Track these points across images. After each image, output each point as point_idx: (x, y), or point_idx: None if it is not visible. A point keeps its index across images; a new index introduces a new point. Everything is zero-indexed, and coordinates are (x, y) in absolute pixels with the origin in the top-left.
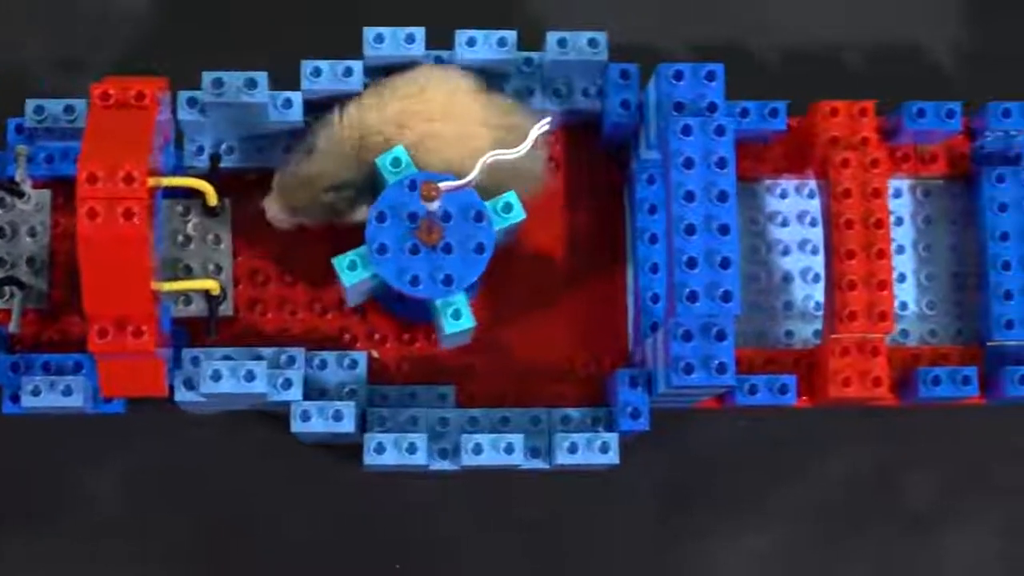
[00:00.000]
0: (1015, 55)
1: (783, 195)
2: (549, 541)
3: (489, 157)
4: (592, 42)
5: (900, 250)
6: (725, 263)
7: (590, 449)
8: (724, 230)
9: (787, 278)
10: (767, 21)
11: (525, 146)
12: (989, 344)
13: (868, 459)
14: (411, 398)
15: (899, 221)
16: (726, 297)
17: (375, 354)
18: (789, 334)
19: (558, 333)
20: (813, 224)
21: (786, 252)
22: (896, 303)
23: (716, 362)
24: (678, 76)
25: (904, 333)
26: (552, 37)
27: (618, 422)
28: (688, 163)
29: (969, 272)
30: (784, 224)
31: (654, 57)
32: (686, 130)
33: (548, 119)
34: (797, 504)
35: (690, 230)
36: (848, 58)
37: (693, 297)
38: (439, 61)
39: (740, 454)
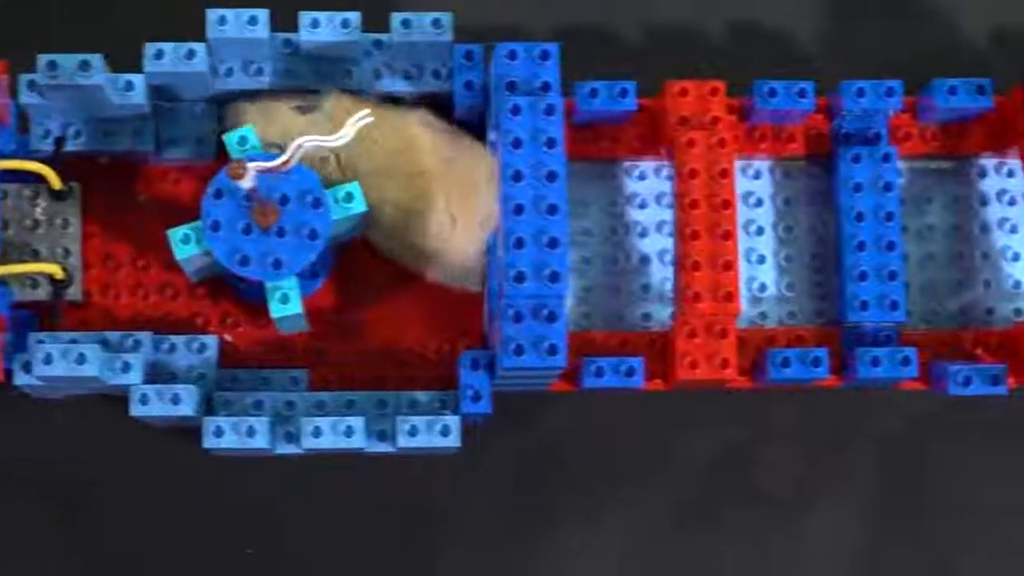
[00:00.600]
0: (871, 34)
1: (641, 176)
2: (404, 526)
3: (304, 142)
4: (436, 23)
5: (760, 231)
6: (553, 243)
7: (431, 432)
8: (553, 210)
9: (645, 260)
10: (634, 2)
11: (345, 134)
12: (845, 325)
13: (730, 442)
14: (264, 382)
15: (759, 202)
16: (554, 278)
17: (228, 338)
18: (647, 316)
19: (413, 317)
20: (672, 206)
21: (644, 234)
22: (756, 284)
23: (547, 344)
24: (512, 56)
25: (763, 315)
26: (396, 18)
27: (460, 405)
28: (517, 143)
29: (829, 253)
30: (642, 206)
31: (515, 38)
32: (515, 110)
33: (367, 111)
34: (658, 487)
35: (518, 210)
36: (710, 38)
37: (520, 278)
38: (288, 44)
39: (602, 436)
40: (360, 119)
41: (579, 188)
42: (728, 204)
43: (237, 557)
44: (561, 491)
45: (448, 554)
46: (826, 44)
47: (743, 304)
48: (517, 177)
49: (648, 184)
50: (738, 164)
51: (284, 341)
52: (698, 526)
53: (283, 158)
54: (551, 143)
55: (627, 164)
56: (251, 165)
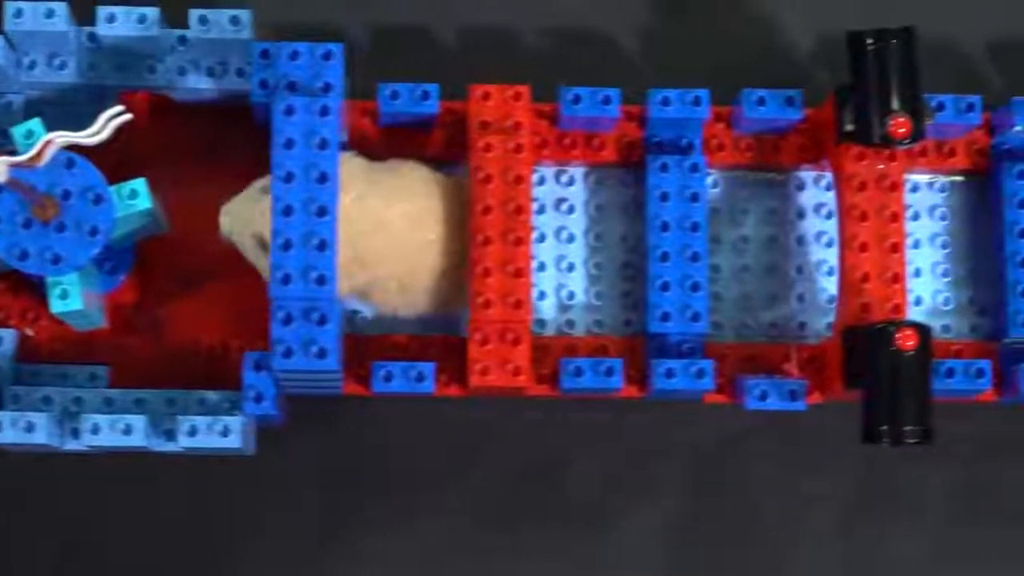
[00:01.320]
0: (697, 40)
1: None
2: (201, 532)
3: (55, 137)
4: (234, 20)
5: (571, 238)
6: (322, 246)
7: (211, 432)
8: (322, 212)
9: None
10: (453, 4)
11: (96, 133)
12: (649, 336)
13: (539, 451)
14: (62, 378)
15: (571, 209)
16: (321, 280)
17: (29, 332)
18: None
19: (214, 316)
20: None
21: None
22: (564, 292)
23: (317, 347)
24: (294, 55)
25: (570, 323)
26: (194, 15)
27: (243, 406)
28: (289, 143)
29: (639, 262)
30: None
31: (323, 37)
32: (289, 110)
33: (121, 108)
34: (462, 494)
35: (287, 211)
36: (533, 43)
37: (287, 279)
38: (93, 39)
39: (414, 441)
40: (113, 115)
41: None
42: (522, 210)
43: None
44: (363, 497)
45: (247, 559)
46: (650, 50)
47: (552, 311)
48: (288, 178)
49: None
50: (551, 170)
51: (86, 337)
52: (500, 535)
53: (32, 152)
54: (324, 144)
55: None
56: (2, 160)
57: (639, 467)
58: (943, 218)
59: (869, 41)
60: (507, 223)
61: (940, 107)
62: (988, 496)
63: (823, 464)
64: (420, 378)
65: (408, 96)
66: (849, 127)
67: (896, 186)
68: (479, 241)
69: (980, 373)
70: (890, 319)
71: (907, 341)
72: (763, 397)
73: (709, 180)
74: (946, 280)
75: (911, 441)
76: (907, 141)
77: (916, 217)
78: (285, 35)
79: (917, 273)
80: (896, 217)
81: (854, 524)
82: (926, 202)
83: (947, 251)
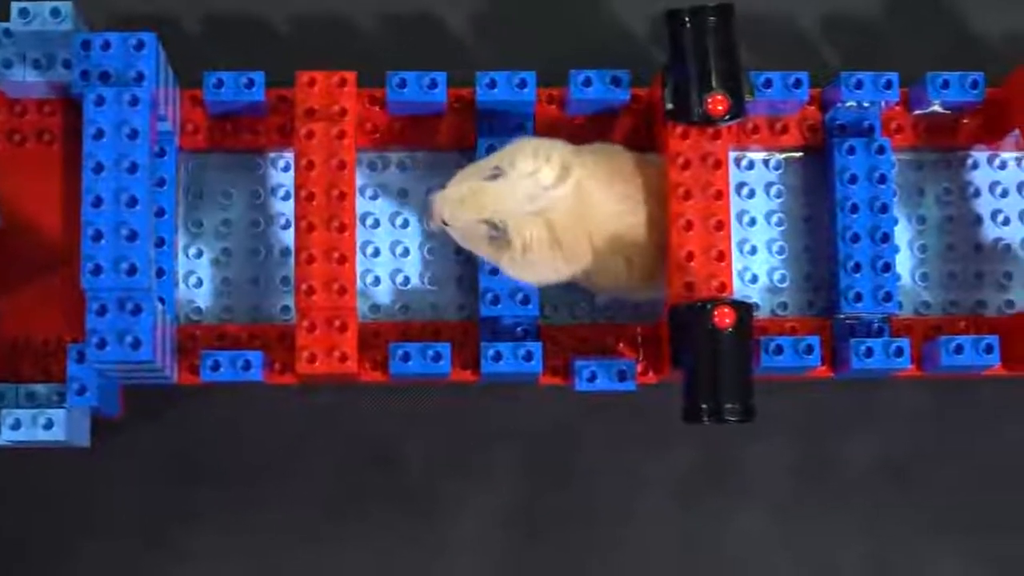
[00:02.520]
0: (532, 22)
1: (286, 168)
2: (33, 523)
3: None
4: (55, 12)
5: (405, 224)
6: (133, 236)
7: (35, 425)
8: (133, 202)
9: (285, 252)
10: None
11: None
12: (481, 319)
13: (372, 439)
14: None
15: (403, 193)
16: (132, 271)
17: None
18: (285, 309)
19: (51, 309)
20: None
21: (287, 226)
22: (399, 278)
23: (131, 337)
24: (106, 46)
25: (405, 308)
26: (15, 7)
27: (67, 397)
28: (99, 134)
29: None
30: (286, 197)
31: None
32: (99, 100)
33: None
34: (299, 486)
35: (97, 202)
36: (370, 29)
37: (98, 270)
38: None
39: (251, 431)
40: None
41: (220, 179)
42: (346, 196)
43: None
44: (198, 489)
45: (79, 551)
46: (485, 34)
47: (387, 296)
48: (98, 169)
49: (292, 175)
50: (395, 156)
51: None
52: (337, 524)
53: None
54: (134, 134)
55: (272, 155)
56: None
57: (478, 451)
58: (778, 195)
59: (686, 19)
60: (331, 209)
61: (768, 83)
62: (825, 470)
63: (663, 443)
64: (247, 367)
65: (234, 85)
66: (669, 105)
67: (720, 164)
68: (303, 228)
69: (809, 349)
70: (713, 297)
71: (724, 319)
72: (592, 378)
73: None
74: (782, 257)
75: (732, 419)
76: (726, 118)
77: (752, 195)
78: (127, 24)
79: (753, 251)
80: (721, 195)
81: (693, 502)
82: (761, 179)
83: (782, 228)
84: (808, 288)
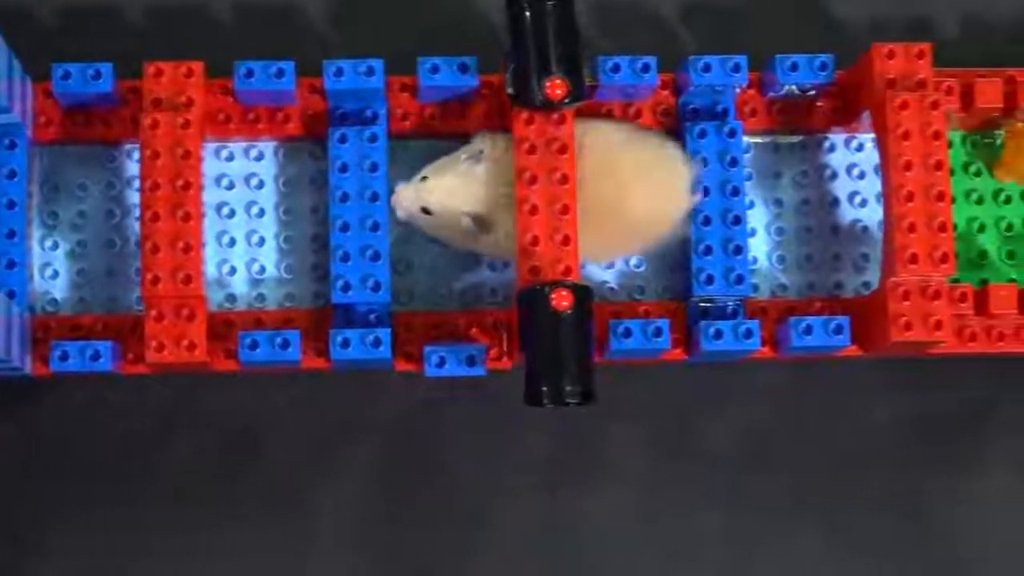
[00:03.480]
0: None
1: (129, 156)
2: None
3: None
4: None
5: (261, 213)
6: None
7: None
8: None
9: (140, 243)
10: None
11: None
12: (335, 307)
13: (231, 430)
14: None
15: (260, 183)
16: None
17: None
18: (140, 299)
19: None
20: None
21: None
22: (255, 267)
23: None
24: None
25: (261, 297)
26: None
27: None
28: None
29: (327, 235)
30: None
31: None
32: None
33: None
34: (155, 477)
35: None
36: (215, 19)
37: None
38: None
39: (112, 424)
40: None
41: (76, 171)
42: (191, 186)
43: None
44: (46, 483)
45: None
46: (341, 22)
47: (243, 285)
48: None
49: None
50: (241, 146)
51: None
52: (202, 515)
53: None
54: None
55: (127, 146)
56: None
57: (338, 442)
58: None
59: (525, 3)
60: (176, 199)
61: (616, 68)
62: (686, 450)
63: (524, 428)
64: (96, 357)
65: (81, 76)
66: (510, 90)
67: (565, 148)
68: (147, 217)
69: (658, 332)
70: (551, 280)
71: (562, 302)
72: (441, 364)
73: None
74: None
75: (572, 402)
76: (566, 102)
77: None
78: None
79: None
80: (566, 179)
81: (555, 484)
82: None
83: None
84: (665, 271)
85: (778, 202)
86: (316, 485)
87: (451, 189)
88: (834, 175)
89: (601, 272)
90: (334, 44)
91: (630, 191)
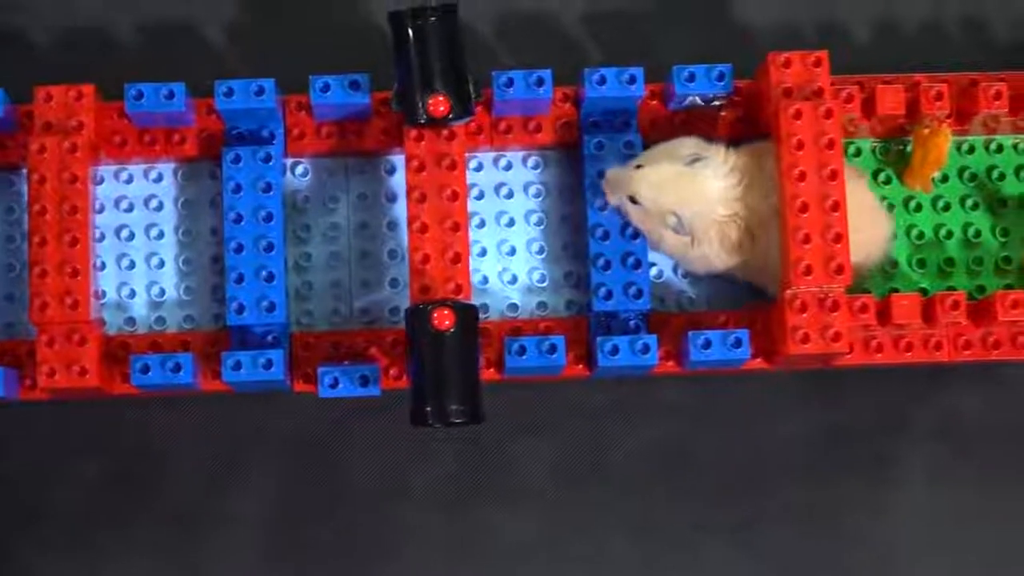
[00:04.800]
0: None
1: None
2: None
3: None
4: None
5: (160, 235)
6: None
7: None
8: None
9: None
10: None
11: None
12: (231, 328)
13: (124, 452)
14: None
15: (160, 205)
16: None
17: None
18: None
19: None
20: None
21: None
22: (155, 290)
23: None
24: None
25: (161, 320)
26: None
27: None
28: None
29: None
30: None
31: None
32: None
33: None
34: (61, 498)
35: None
36: (124, 38)
37: None
38: None
39: (12, 449)
40: None
41: None
42: (78, 210)
43: None
44: None
45: None
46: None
47: (142, 309)
48: None
49: None
50: (140, 167)
51: None
52: (102, 537)
53: None
54: None
55: (25, 171)
56: None
57: (238, 459)
58: (537, 195)
59: (408, 20)
60: (63, 223)
61: (510, 83)
62: (591, 468)
63: (425, 446)
64: None
65: None
66: (395, 107)
67: (456, 165)
68: (35, 242)
69: (553, 349)
70: (432, 299)
71: (444, 321)
72: (335, 384)
73: (300, 169)
74: (541, 257)
75: (458, 421)
76: (450, 119)
77: (510, 195)
78: None
79: (512, 251)
80: (456, 196)
81: (457, 503)
82: (520, 179)
83: (541, 227)
84: (568, 287)
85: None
86: (214, 506)
87: (662, 183)
88: None
89: (504, 288)
90: (246, 64)
91: None
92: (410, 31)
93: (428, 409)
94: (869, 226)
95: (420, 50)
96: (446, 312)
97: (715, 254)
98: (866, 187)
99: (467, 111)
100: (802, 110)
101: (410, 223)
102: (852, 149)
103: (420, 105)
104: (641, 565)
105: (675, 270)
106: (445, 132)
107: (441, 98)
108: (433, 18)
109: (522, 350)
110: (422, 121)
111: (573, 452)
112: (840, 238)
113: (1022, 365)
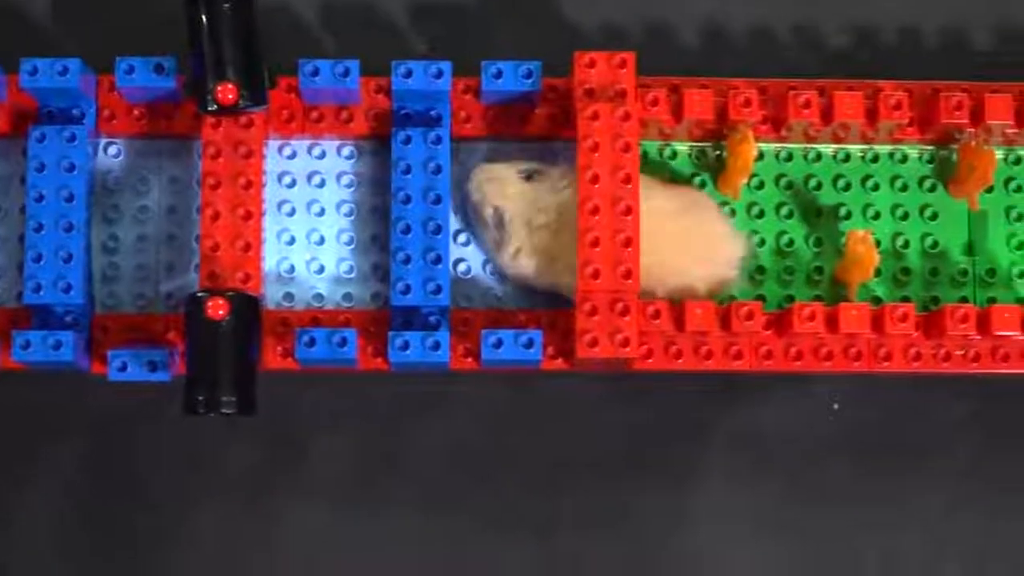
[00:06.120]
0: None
1: None
2: None
3: None
4: None
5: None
6: None
7: None
8: None
9: None
10: None
11: None
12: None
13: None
14: None
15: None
16: None
17: None
18: None
19: None
20: None
21: None
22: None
23: None
24: None
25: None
26: None
27: None
28: None
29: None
30: None
31: None
32: None
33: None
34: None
35: None
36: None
37: None
38: None
39: None
40: None
41: None
42: None
43: None
44: None
45: None
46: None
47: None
48: None
49: None
50: None
51: None
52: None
53: None
54: None
55: None
56: None
57: (29, 450)
58: (349, 185)
59: (201, 5)
60: None
61: (316, 72)
62: (392, 465)
63: (224, 438)
64: None
65: None
66: (187, 93)
67: (253, 153)
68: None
69: (344, 342)
70: (208, 288)
71: (218, 310)
72: (123, 368)
73: (113, 149)
74: (350, 247)
75: (228, 411)
76: (239, 106)
77: (323, 184)
78: None
79: (321, 241)
80: (251, 184)
81: (255, 496)
82: (333, 168)
83: (352, 218)
84: (375, 280)
85: None
86: (14, 491)
87: (491, 179)
88: None
89: (310, 277)
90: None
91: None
92: (204, 18)
93: (199, 398)
94: (722, 257)
95: (213, 36)
96: (221, 302)
97: (512, 253)
98: (719, 215)
99: (260, 99)
100: (599, 111)
101: (203, 210)
102: (668, 151)
103: (210, 92)
104: (436, 560)
105: (484, 267)
106: (243, 119)
107: (230, 85)
108: (227, 4)
109: (311, 342)
110: (211, 108)
111: (371, 448)
112: (630, 242)
113: (830, 378)
